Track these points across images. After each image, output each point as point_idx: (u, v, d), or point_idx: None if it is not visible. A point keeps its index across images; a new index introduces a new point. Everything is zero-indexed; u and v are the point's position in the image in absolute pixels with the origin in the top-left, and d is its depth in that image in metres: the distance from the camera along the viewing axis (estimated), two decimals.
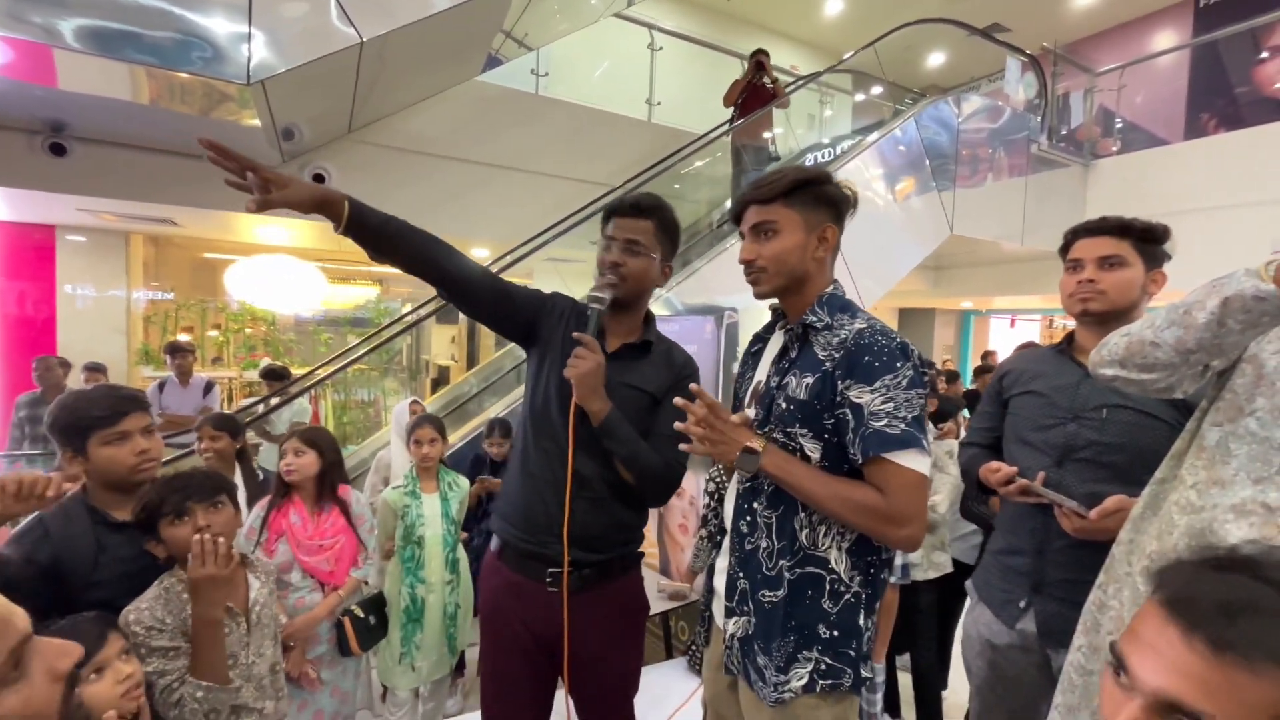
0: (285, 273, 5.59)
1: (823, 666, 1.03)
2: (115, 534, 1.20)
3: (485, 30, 3.89)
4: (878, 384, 0.96)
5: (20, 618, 0.58)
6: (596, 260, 1.33)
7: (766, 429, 1.08)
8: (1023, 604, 1.33)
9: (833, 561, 1.03)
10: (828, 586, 1.03)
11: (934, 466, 2.40)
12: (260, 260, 5.52)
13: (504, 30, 4.20)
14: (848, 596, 1.03)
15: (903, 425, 0.95)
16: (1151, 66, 7.15)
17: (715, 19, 8.35)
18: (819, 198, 1.08)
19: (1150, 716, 0.48)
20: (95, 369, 4.15)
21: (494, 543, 1.35)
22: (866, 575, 1.04)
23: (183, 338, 5.42)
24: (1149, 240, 1.30)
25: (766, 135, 5.25)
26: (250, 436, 3.51)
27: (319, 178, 4.03)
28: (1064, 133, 6.15)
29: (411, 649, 2.10)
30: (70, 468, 1.20)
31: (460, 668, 2.58)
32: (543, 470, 1.26)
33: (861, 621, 1.04)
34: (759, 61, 5.11)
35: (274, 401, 3.74)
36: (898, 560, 1.92)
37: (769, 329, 1.24)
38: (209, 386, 4.05)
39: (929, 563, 2.35)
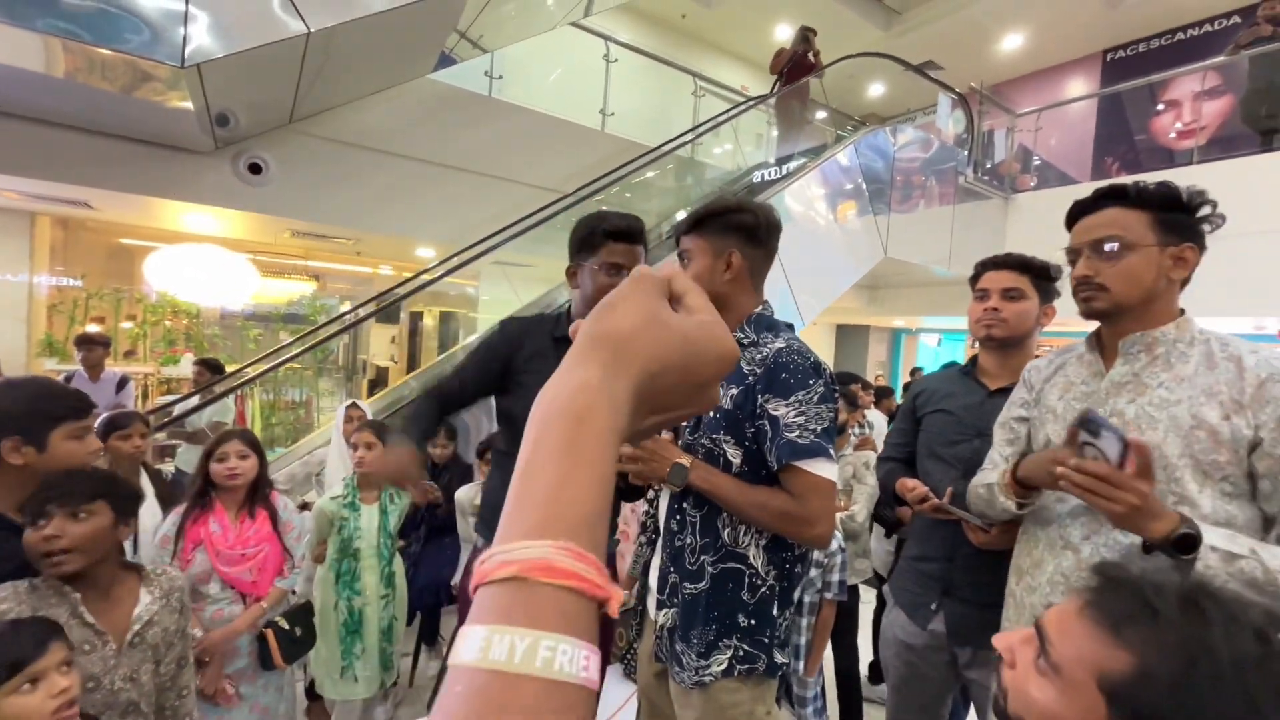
0: (212, 263, 5.27)
1: (740, 652, 1.11)
2: (10, 534, 1.13)
3: (439, 29, 3.83)
4: (792, 399, 1.07)
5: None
6: (597, 282, 1.39)
7: (695, 435, 1.17)
8: (934, 606, 1.44)
9: (751, 558, 1.13)
10: (746, 580, 1.13)
11: (853, 477, 2.54)
12: (185, 249, 5.18)
13: (458, 30, 4.15)
14: (764, 589, 1.13)
15: (812, 436, 1.05)
16: (1064, 111, 7.79)
17: (670, 35, 8.52)
18: (724, 226, 1.18)
19: (1027, 639, 0.61)
20: None
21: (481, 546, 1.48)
22: (781, 570, 1.15)
23: (93, 328, 5.03)
24: (1044, 277, 1.48)
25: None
26: (160, 437, 3.30)
27: (255, 167, 3.84)
28: (988, 167, 6.62)
29: (353, 660, 2.04)
30: (10, 458, 1.13)
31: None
32: None
33: (775, 612, 1.14)
34: (806, 35, 5.95)
35: (195, 400, 3.53)
36: (836, 577, 2.03)
37: None
38: (123, 382, 3.78)
39: (851, 569, 2.47)
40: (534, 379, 1.36)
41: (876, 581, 2.62)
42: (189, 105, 2.99)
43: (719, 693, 1.12)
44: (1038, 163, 7.26)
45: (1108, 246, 1.02)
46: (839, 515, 2.42)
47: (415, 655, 2.69)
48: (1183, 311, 1.05)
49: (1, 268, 5.12)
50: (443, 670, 2.07)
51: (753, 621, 1.12)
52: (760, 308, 1.20)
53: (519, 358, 1.44)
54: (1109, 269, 1.02)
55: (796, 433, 1.05)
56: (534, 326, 1.46)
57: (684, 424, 1.22)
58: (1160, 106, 7.27)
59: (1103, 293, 1.03)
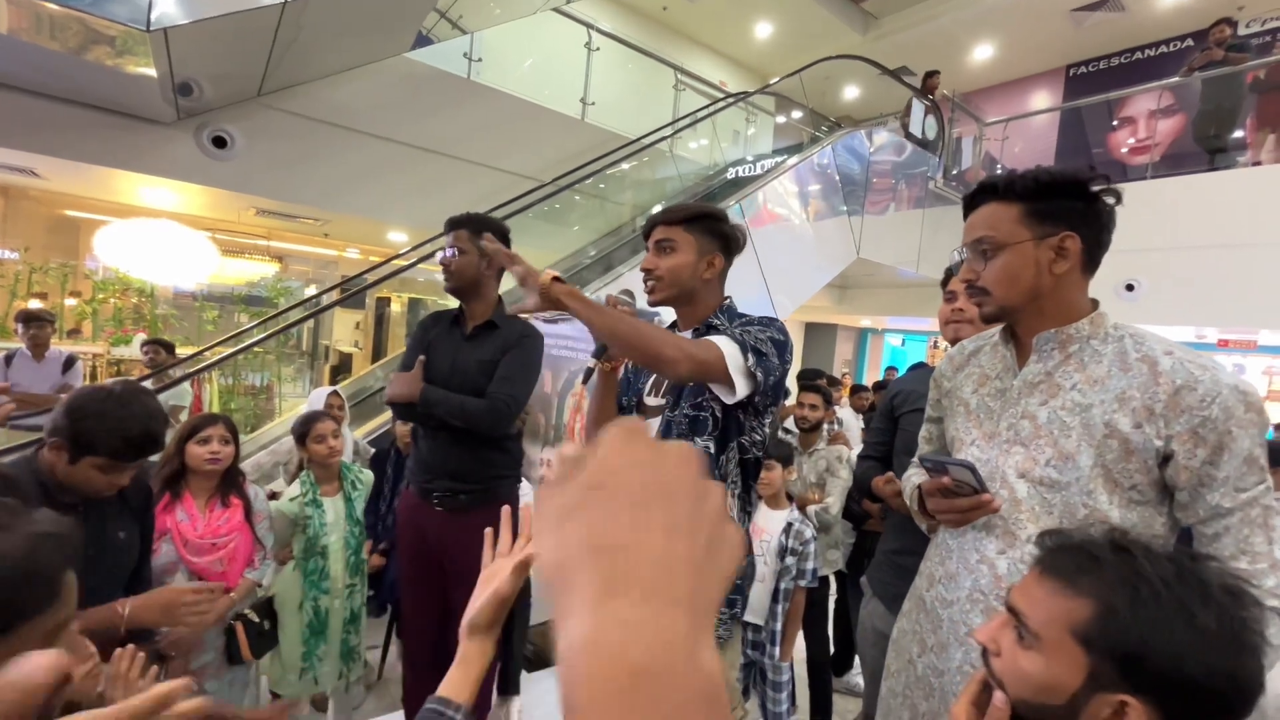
0: (168, 240, 5.02)
1: (731, 597, 1.26)
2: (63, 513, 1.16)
3: (418, 6, 3.72)
4: (750, 327, 1.20)
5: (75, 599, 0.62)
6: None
7: (680, 408, 1.24)
8: None
9: (730, 510, 1.21)
10: None
11: (826, 470, 2.61)
12: (138, 224, 4.92)
13: (438, 9, 4.04)
14: None
15: (739, 335, 1.16)
16: (1029, 122, 8.07)
17: (652, 27, 8.47)
18: (712, 230, 1.29)
19: (1005, 622, 0.66)
20: None
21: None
22: (742, 518, 1.25)
23: (35, 304, 4.75)
24: None
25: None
26: None
27: (220, 141, 3.67)
28: (955, 172, 6.81)
29: (314, 661, 1.97)
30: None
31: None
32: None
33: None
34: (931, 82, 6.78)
35: (150, 384, 3.36)
36: (810, 565, 2.08)
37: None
38: (70, 362, 3.58)
39: (824, 560, 2.54)
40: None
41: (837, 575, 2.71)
42: (151, 72, 2.84)
43: None
44: (1002, 170, 7.51)
45: (982, 247, 0.98)
46: (813, 508, 2.47)
47: (385, 648, 2.64)
48: (1096, 305, 0.99)
49: None
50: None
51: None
52: (727, 301, 1.32)
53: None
54: (986, 271, 0.98)
55: (729, 333, 1.17)
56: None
57: (664, 404, 1.27)
58: (1116, 122, 7.59)
59: (986, 296, 0.99)
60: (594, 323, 1.06)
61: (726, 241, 1.30)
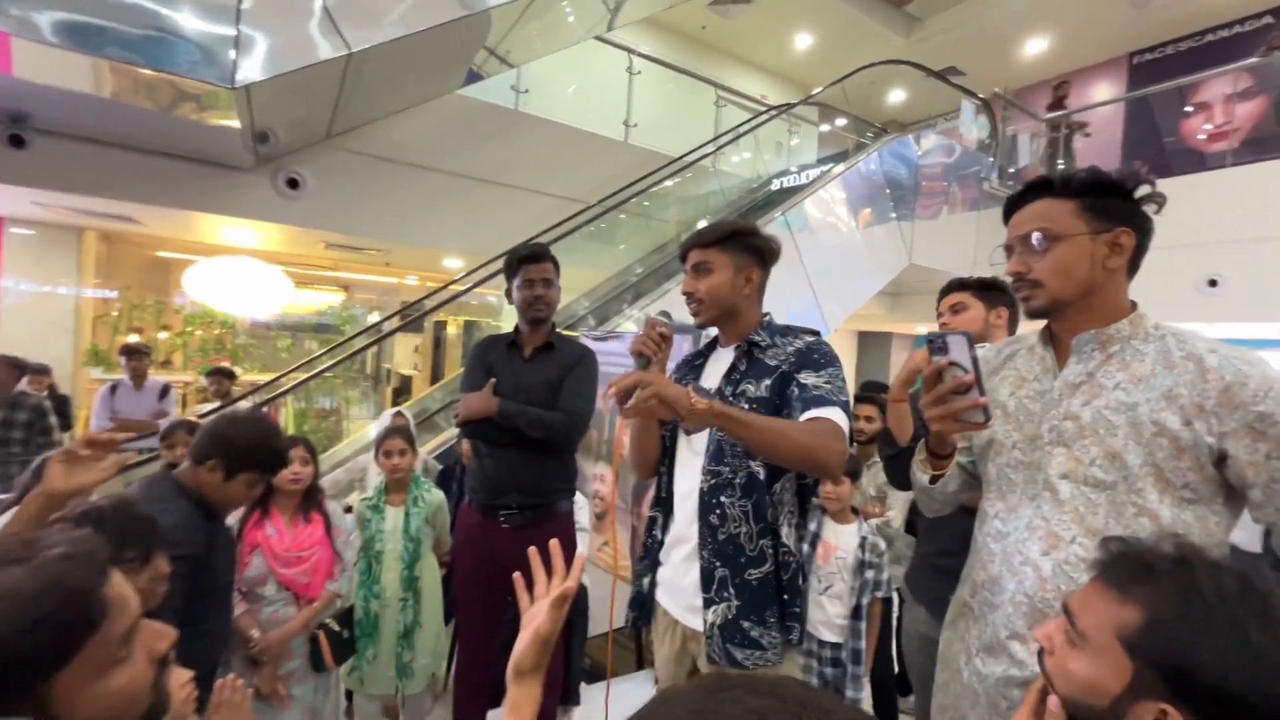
0: (247, 275, 5.43)
1: (787, 624, 1.24)
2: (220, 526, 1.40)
3: (468, 46, 3.94)
4: (823, 372, 1.22)
5: (135, 598, 0.61)
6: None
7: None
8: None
9: (783, 535, 1.23)
10: (782, 558, 1.23)
11: (885, 483, 2.55)
12: (221, 261, 5.35)
13: (487, 47, 4.25)
14: (794, 565, 1.24)
15: (834, 393, 1.19)
16: (1091, 115, 7.69)
17: (691, 46, 8.60)
18: (746, 246, 1.32)
19: (1061, 623, 0.67)
20: (40, 371, 3.94)
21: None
22: (799, 546, 1.27)
23: (133, 338, 5.20)
24: (983, 288, 1.66)
25: None
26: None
27: (293, 182, 3.97)
28: (1011, 172, 6.56)
29: (362, 663, 2.06)
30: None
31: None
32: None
33: (802, 583, 1.28)
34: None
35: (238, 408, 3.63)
36: (885, 575, 2.07)
37: (710, 347, 1.45)
38: (165, 390, 3.91)
39: None
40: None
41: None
42: (235, 124, 3.11)
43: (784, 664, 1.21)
44: (1063, 167, 7.17)
45: (1034, 239, 0.98)
46: (875, 522, 2.42)
47: (449, 658, 2.71)
48: (1135, 305, 0.99)
49: (51, 281, 5.32)
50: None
51: (786, 596, 1.22)
52: (767, 316, 1.37)
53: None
54: (1039, 263, 0.98)
55: (823, 392, 1.19)
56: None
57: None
58: (1190, 109, 7.14)
59: (1037, 289, 0.98)
60: (748, 438, 1.10)
61: (761, 254, 1.33)
